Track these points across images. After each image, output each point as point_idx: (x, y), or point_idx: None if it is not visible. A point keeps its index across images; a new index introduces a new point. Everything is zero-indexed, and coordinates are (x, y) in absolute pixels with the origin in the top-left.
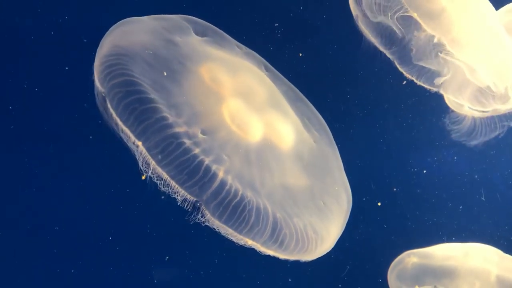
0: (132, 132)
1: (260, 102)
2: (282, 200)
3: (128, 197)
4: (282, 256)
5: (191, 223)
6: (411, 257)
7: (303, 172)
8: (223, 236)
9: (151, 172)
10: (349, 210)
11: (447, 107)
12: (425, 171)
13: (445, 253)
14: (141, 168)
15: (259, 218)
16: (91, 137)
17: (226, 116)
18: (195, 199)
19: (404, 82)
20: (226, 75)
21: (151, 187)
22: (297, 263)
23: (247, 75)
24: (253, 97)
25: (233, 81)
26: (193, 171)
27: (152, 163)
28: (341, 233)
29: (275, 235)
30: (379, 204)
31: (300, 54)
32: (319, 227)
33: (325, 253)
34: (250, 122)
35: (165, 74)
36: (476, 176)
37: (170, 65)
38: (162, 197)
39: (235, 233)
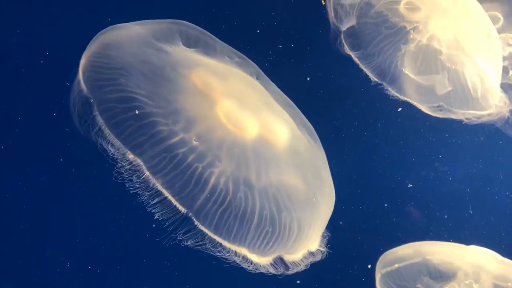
0: (125, 145)
1: (253, 101)
2: (276, 194)
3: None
4: (263, 254)
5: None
6: (405, 249)
7: (298, 169)
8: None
9: (140, 183)
10: (330, 212)
11: (442, 122)
12: (411, 185)
13: (443, 250)
14: (126, 176)
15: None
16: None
17: (222, 116)
18: (185, 210)
19: (400, 109)
20: (217, 80)
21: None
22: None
23: (238, 81)
24: (246, 98)
25: (225, 85)
26: (186, 183)
27: (146, 175)
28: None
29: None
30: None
31: (308, 79)
32: (308, 223)
33: (308, 251)
34: (245, 119)
35: (161, 82)
36: (468, 190)
37: (164, 74)
38: (154, 225)
39: (222, 240)
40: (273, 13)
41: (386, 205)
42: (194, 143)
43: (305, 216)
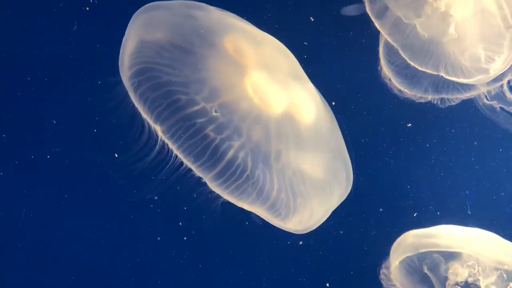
0: (150, 118)
1: (283, 74)
2: (292, 176)
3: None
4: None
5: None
6: (408, 238)
7: (318, 151)
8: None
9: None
10: (344, 197)
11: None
12: (412, 214)
13: (445, 235)
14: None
15: (261, 195)
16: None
17: (249, 88)
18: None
19: (409, 124)
20: (250, 46)
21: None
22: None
23: (271, 46)
24: (277, 69)
25: (257, 52)
26: (200, 153)
27: (168, 144)
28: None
29: (272, 210)
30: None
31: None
32: (316, 210)
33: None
34: (273, 94)
35: (188, 49)
36: (467, 192)
37: (192, 40)
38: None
39: (236, 202)
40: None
41: (381, 210)
42: (214, 113)
43: (318, 203)
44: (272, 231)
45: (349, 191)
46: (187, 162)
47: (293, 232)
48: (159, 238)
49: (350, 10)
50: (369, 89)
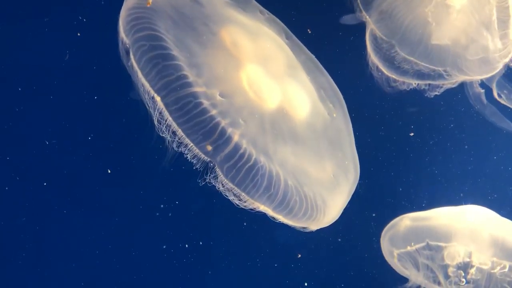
0: (152, 86)
1: (278, 70)
2: (293, 169)
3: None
4: (289, 222)
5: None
6: (404, 220)
7: (315, 144)
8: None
9: (166, 129)
10: (355, 184)
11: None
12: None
13: (439, 216)
14: (156, 124)
15: (272, 183)
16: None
17: (244, 82)
18: (208, 159)
19: (411, 134)
20: (246, 40)
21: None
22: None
23: (267, 42)
24: (272, 64)
25: (253, 46)
26: (209, 132)
27: (169, 119)
28: (345, 205)
29: (286, 202)
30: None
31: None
32: (327, 198)
33: (329, 223)
34: (267, 90)
35: (189, 33)
36: (461, 194)
37: (193, 25)
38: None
39: (247, 197)
40: None
41: (374, 215)
42: (218, 98)
43: (324, 192)
44: (272, 235)
45: (357, 179)
46: (194, 142)
47: (310, 228)
48: (164, 246)
49: (348, 19)
50: (368, 92)
